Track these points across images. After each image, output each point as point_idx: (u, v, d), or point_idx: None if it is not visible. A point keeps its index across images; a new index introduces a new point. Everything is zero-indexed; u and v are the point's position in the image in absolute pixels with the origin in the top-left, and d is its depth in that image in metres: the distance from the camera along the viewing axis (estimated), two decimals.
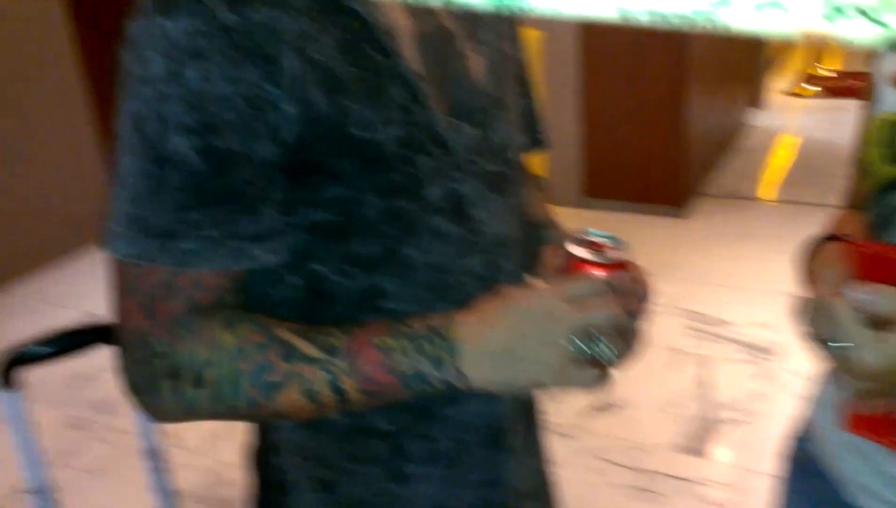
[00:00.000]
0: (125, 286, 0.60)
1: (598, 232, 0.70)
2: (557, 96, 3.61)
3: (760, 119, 4.89)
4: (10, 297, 3.37)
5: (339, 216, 0.63)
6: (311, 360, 0.60)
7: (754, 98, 5.01)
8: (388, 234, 0.65)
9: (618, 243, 0.69)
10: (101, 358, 0.98)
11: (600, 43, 3.48)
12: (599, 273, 0.66)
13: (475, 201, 0.70)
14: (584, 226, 0.70)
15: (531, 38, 3.63)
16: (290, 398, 0.60)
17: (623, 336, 0.63)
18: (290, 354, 0.61)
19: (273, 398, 0.60)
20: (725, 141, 4.36)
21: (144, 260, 0.58)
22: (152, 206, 0.57)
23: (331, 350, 0.61)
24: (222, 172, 0.57)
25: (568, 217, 0.87)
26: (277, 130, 0.58)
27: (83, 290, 3.37)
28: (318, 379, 0.60)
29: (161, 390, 0.60)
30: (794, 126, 4.81)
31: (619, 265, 0.67)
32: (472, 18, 0.72)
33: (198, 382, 0.60)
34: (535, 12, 0.32)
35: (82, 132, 3.70)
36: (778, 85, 5.51)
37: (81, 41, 3.64)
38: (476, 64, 0.71)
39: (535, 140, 0.87)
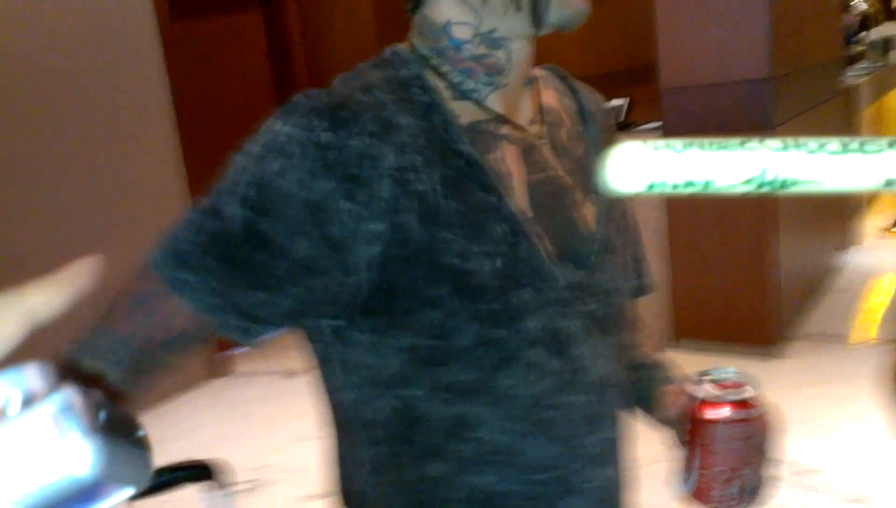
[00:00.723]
0: (136, 272, 0.67)
1: (721, 370, 0.72)
2: (643, 238, 3.66)
3: (854, 258, 4.78)
4: None
5: (434, 341, 0.66)
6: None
7: (848, 237, 4.91)
8: (483, 363, 0.67)
9: (743, 378, 0.71)
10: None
11: None
12: (727, 412, 0.68)
13: (577, 339, 0.72)
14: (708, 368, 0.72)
15: None
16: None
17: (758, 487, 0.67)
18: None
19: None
20: (818, 281, 4.26)
21: (153, 265, 0.65)
22: (188, 235, 0.65)
23: None
24: (251, 247, 0.63)
25: None
26: (336, 250, 0.63)
27: (178, 433, 3.51)
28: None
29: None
30: (890, 264, 4.66)
31: (746, 404, 0.68)
32: (586, 171, 0.78)
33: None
34: (798, 186, 0.36)
35: None
36: (872, 223, 5.40)
37: (178, 116, 3.96)
38: (587, 212, 0.76)
39: (642, 285, 0.92)
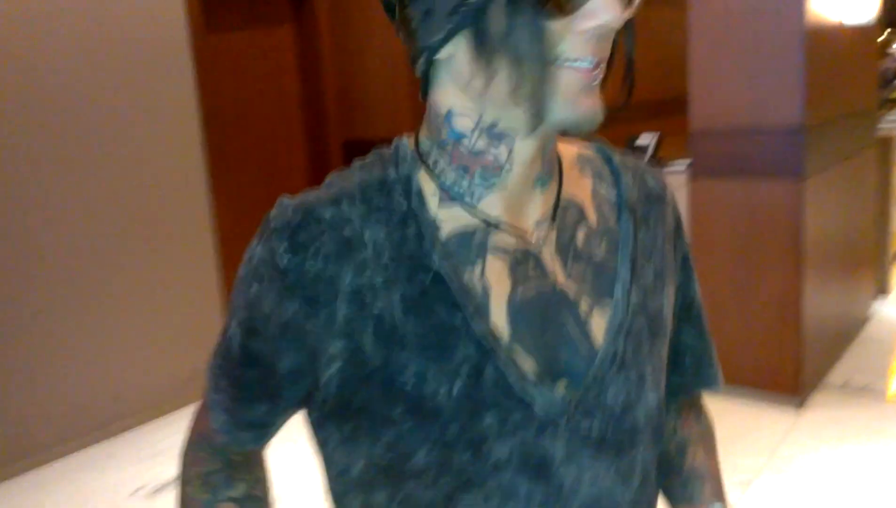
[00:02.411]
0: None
1: None
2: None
3: (885, 308, 4.68)
4: (121, 445, 3.54)
5: (391, 457, 0.66)
6: None
7: (882, 286, 4.81)
8: (441, 484, 0.65)
9: None
10: None
11: (708, 230, 3.50)
12: None
13: (566, 460, 0.68)
14: None
15: None
16: None
17: None
18: None
19: None
20: (850, 330, 4.17)
21: (206, 387, 0.76)
22: (216, 359, 0.74)
23: None
24: (247, 366, 0.70)
25: None
26: (313, 360, 0.66)
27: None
28: None
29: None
30: None
31: None
32: (604, 276, 0.72)
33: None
34: None
35: (209, 288, 3.97)
36: None
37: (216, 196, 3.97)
38: (595, 324, 0.70)
39: (705, 379, 0.86)
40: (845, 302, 4.12)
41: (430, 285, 0.65)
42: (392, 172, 0.68)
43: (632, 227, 0.75)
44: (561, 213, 0.72)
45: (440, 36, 0.62)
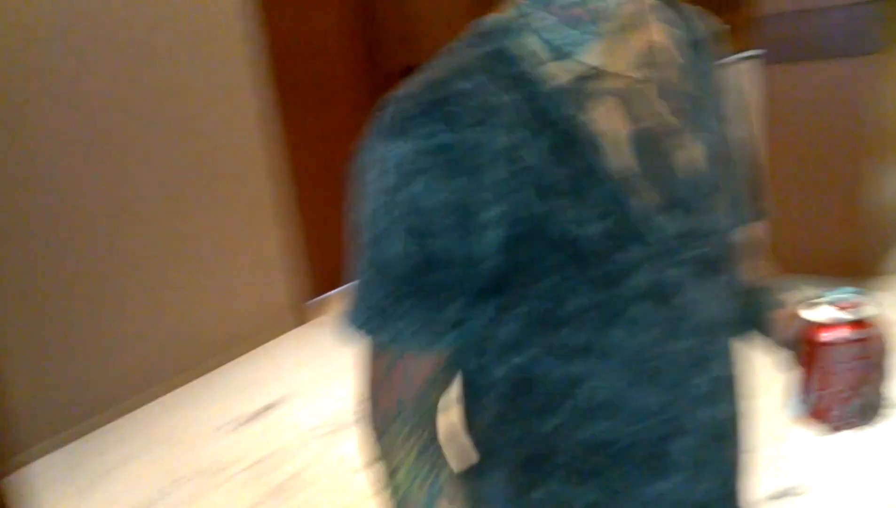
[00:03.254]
0: (366, 363, 0.75)
1: (837, 291, 0.72)
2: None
3: None
4: (214, 379, 3.73)
5: (548, 306, 0.69)
6: None
7: None
8: (593, 323, 0.70)
9: (858, 297, 0.71)
10: None
11: (784, 116, 3.42)
12: (844, 333, 0.69)
13: (682, 286, 0.73)
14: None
15: None
16: None
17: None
18: None
19: None
20: None
21: (368, 332, 0.71)
22: (379, 291, 0.70)
23: None
24: (435, 268, 0.68)
25: None
26: (485, 229, 0.67)
27: (280, 373, 3.68)
28: None
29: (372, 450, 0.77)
30: None
31: (863, 323, 0.68)
32: (697, 108, 0.77)
33: (382, 477, 0.76)
34: None
35: (277, 222, 4.07)
36: None
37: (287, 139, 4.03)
38: (696, 152, 0.76)
39: (756, 212, 0.91)
40: None
41: (568, 133, 0.69)
42: (497, 44, 0.71)
43: (709, 64, 0.82)
44: (655, 54, 0.76)
45: None
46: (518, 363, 0.73)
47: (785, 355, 0.82)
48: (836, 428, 0.75)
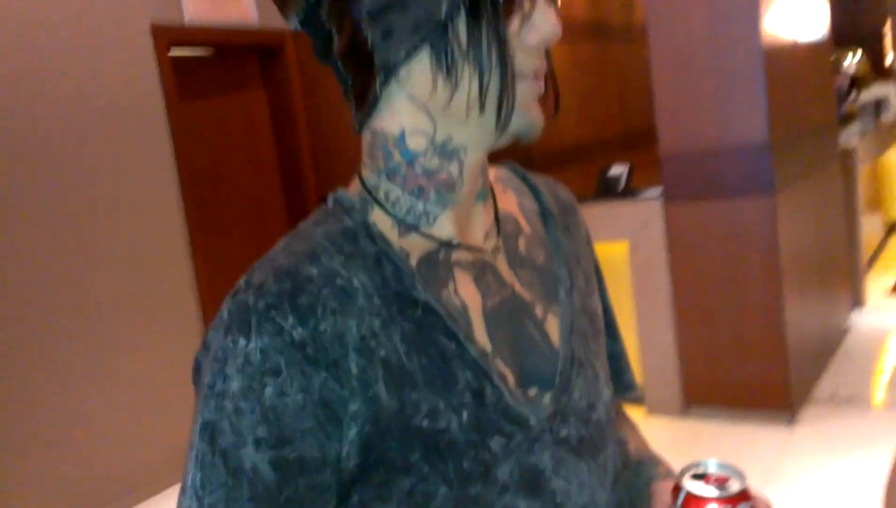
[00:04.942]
0: None
1: (705, 463, 0.69)
2: (649, 304, 3.66)
3: (861, 319, 4.76)
4: None
5: (415, 494, 0.62)
6: None
7: (857, 298, 4.90)
8: None
9: (728, 470, 0.68)
10: None
11: (689, 253, 3.56)
12: (723, 506, 0.65)
13: (555, 470, 0.68)
14: (688, 448, 0.70)
15: (617, 250, 3.76)
16: None
17: None
18: None
19: None
20: (831, 342, 4.24)
21: None
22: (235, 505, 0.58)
23: None
24: (291, 481, 0.59)
25: (669, 428, 0.87)
26: (346, 429, 0.60)
27: None
28: None
29: None
30: None
31: (741, 497, 0.66)
32: (548, 280, 0.75)
33: None
34: None
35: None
36: (880, 283, 5.40)
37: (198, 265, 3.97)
38: (550, 327, 0.72)
39: (624, 385, 0.87)
40: (825, 315, 4.19)
41: (422, 317, 0.64)
42: (348, 221, 0.67)
43: (559, 234, 0.79)
44: (502, 225, 0.74)
45: (402, 54, 0.62)
46: None
47: None
48: None
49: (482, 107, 0.63)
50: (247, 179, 4.47)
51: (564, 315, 0.74)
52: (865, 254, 5.26)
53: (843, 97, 6.35)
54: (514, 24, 0.62)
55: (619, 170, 4.33)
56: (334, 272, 0.62)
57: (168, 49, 3.84)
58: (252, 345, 0.59)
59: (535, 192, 0.81)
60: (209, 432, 0.60)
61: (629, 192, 4.03)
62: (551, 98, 0.69)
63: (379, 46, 0.62)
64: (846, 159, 4.84)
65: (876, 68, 9.15)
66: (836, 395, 3.75)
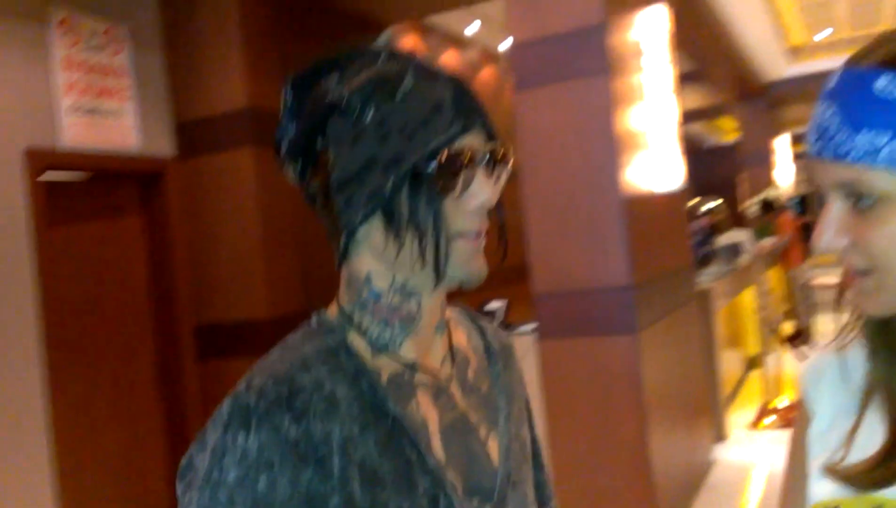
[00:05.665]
0: None
1: None
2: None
3: (726, 453, 4.96)
4: None
5: None
6: None
7: (720, 432, 5.12)
8: None
9: None
10: None
11: (559, 388, 3.65)
12: None
13: None
14: None
15: None
16: None
17: None
18: None
19: None
20: (696, 476, 4.37)
21: None
22: None
23: None
24: None
25: None
26: None
27: None
28: None
29: None
30: (759, 458, 4.86)
31: None
32: (490, 407, 0.87)
33: None
34: None
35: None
36: (741, 417, 5.67)
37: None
38: (492, 447, 0.84)
39: (543, 500, 0.98)
40: (690, 450, 4.35)
41: (392, 427, 0.76)
42: (330, 339, 0.79)
43: (500, 368, 0.92)
44: (455, 355, 0.87)
45: (359, 218, 0.77)
46: None
47: None
48: None
49: (424, 262, 0.76)
50: (117, 307, 4.32)
51: (503, 439, 0.86)
52: (726, 389, 5.55)
53: (703, 241, 6.85)
54: (456, 192, 0.76)
55: (496, 305, 4.47)
56: (322, 382, 0.74)
57: (41, 173, 3.75)
58: (251, 440, 0.69)
59: (481, 332, 0.95)
60: None
61: (506, 326, 4.15)
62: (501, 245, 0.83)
63: (343, 210, 0.78)
64: (704, 300, 5.18)
65: (733, 215, 9.97)
66: None
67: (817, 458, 0.88)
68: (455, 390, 0.84)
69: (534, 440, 0.97)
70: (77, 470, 3.81)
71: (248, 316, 4.38)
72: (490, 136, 0.80)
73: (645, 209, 3.85)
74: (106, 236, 4.30)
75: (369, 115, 0.76)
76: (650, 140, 4.06)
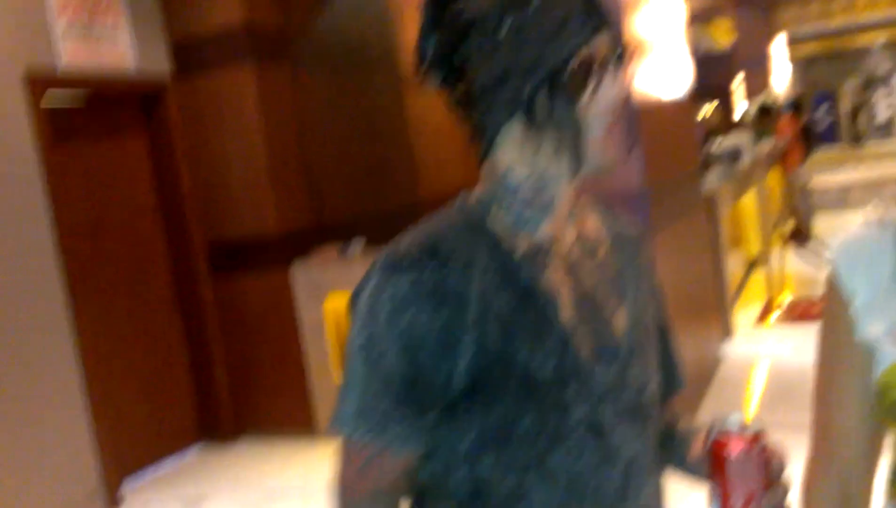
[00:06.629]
0: (345, 460, 0.86)
1: (731, 416, 0.85)
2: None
3: (734, 349, 5.08)
4: None
5: (502, 425, 0.83)
6: None
7: (727, 329, 5.24)
8: (538, 443, 0.84)
9: (753, 425, 0.84)
10: None
11: None
12: (739, 446, 0.82)
13: (613, 426, 0.88)
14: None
15: None
16: None
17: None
18: None
19: None
20: (706, 372, 4.49)
21: (365, 439, 0.83)
22: (375, 403, 0.82)
23: None
24: (422, 381, 0.81)
25: None
26: (461, 355, 0.81)
27: None
28: None
29: None
30: (765, 352, 4.98)
31: (756, 437, 0.83)
32: (618, 284, 0.94)
33: None
34: None
35: (76, 409, 3.74)
36: (746, 315, 5.78)
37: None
38: (619, 319, 0.92)
39: (673, 379, 1.05)
40: (699, 346, 4.46)
41: (525, 291, 0.85)
42: (471, 219, 0.89)
43: (629, 254, 0.99)
44: (585, 239, 0.94)
45: (500, 121, 0.86)
46: (471, 473, 0.85)
47: (700, 476, 0.94)
48: None
49: (561, 156, 0.86)
50: (128, 226, 4.32)
51: (628, 315, 0.94)
52: (731, 289, 5.64)
53: (701, 145, 6.83)
54: (590, 91, 0.84)
55: None
56: (462, 246, 0.84)
57: (42, 95, 3.69)
58: (401, 282, 0.81)
59: (612, 220, 1.02)
60: (364, 343, 0.83)
61: None
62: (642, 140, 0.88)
63: (485, 115, 0.87)
64: (710, 203, 5.21)
65: (726, 120, 9.92)
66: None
67: (872, 326, 0.92)
68: (585, 268, 0.91)
69: (664, 327, 1.04)
70: (106, 382, 3.91)
71: (258, 231, 4.40)
72: (616, 36, 0.86)
73: (656, 116, 3.83)
74: (111, 159, 4.27)
75: (506, 26, 0.83)
76: (658, 44, 4.01)
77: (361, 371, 0.83)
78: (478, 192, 0.92)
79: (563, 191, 0.90)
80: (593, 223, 0.98)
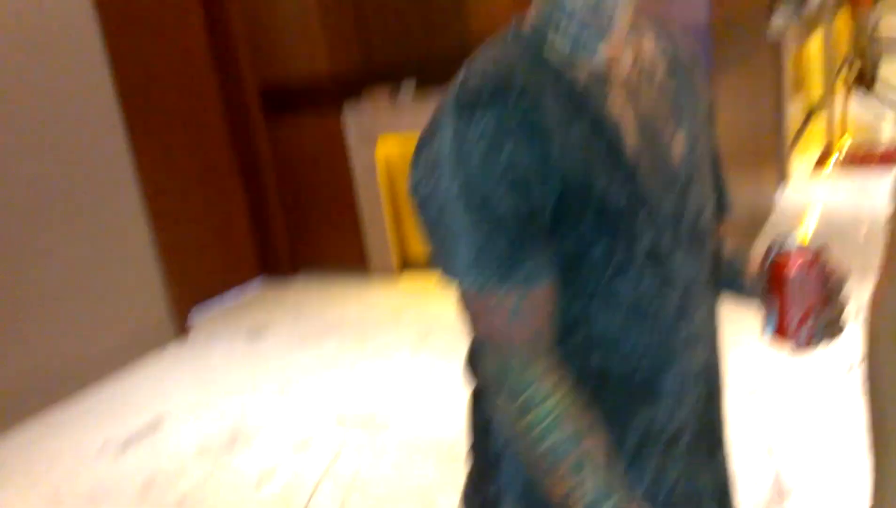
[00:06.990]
0: (484, 313, 0.83)
1: (790, 235, 0.86)
2: None
3: (789, 195, 5.02)
4: (84, 403, 3.49)
5: (575, 251, 0.82)
6: (597, 476, 0.81)
7: (782, 176, 5.15)
8: (610, 269, 0.84)
9: (813, 243, 0.86)
10: None
11: None
12: (799, 262, 0.82)
13: (672, 250, 0.88)
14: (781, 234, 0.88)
15: None
16: (560, 479, 0.81)
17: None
18: (586, 459, 0.81)
19: (552, 469, 0.81)
20: (760, 217, 4.47)
21: (495, 287, 0.80)
22: (501, 241, 0.79)
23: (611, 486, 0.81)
24: (536, 214, 0.79)
25: None
26: (553, 183, 0.79)
27: (163, 389, 3.50)
28: (587, 489, 0.80)
29: (500, 395, 0.84)
30: (818, 199, 4.92)
31: (818, 255, 0.83)
32: (677, 105, 0.92)
33: (523, 412, 0.82)
34: None
35: (142, 243, 3.90)
36: (803, 161, 5.67)
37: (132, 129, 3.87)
38: (678, 141, 0.91)
39: (723, 204, 1.06)
40: (755, 191, 4.41)
41: (592, 121, 0.83)
42: (532, 41, 0.85)
43: (687, 73, 0.97)
44: (644, 60, 0.91)
45: None
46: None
47: (757, 296, 0.95)
48: (805, 345, 0.88)
49: None
50: (182, 72, 4.32)
51: (687, 139, 0.92)
52: (790, 135, 5.50)
53: None
54: None
55: None
56: (530, 77, 0.80)
57: None
58: (486, 119, 0.77)
59: (671, 39, 0.98)
60: (462, 189, 0.78)
61: None
62: None
63: None
64: (775, 45, 4.98)
65: None
66: None
67: None
68: (644, 90, 0.89)
69: (714, 152, 1.03)
70: (169, 219, 4.06)
71: (309, 72, 4.37)
72: None
73: None
74: (163, 2, 4.21)
75: None
76: None
77: (466, 220, 0.78)
78: (531, 18, 0.87)
79: (621, 8, 0.85)
80: (650, 46, 0.94)
